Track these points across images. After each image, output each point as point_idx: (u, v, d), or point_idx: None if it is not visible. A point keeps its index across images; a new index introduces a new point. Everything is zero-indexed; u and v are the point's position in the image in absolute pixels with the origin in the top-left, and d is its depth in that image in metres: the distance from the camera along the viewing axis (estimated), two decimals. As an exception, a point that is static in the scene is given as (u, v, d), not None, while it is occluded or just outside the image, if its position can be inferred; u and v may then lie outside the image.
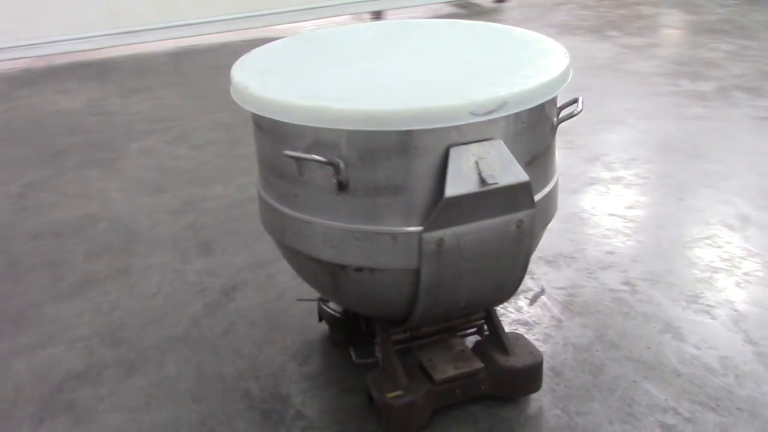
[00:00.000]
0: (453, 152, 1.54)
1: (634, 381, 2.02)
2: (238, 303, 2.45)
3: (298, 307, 2.40)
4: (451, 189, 1.53)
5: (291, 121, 1.59)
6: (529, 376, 1.94)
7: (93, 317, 2.42)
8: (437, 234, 1.59)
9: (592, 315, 2.31)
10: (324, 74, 1.76)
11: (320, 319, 2.26)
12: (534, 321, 2.28)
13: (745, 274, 2.49)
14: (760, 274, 2.48)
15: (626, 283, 2.47)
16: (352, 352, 2.09)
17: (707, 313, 2.30)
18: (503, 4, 6.87)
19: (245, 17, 6.05)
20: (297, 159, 1.61)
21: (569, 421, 1.89)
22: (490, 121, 1.55)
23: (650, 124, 3.92)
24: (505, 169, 1.57)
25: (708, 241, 2.70)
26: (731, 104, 4.10)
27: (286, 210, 1.74)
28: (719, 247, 2.66)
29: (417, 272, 1.65)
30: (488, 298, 1.83)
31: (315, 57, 1.92)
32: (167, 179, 3.45)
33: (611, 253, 2.65)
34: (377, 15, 6.67)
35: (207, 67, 5.41)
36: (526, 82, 1.60)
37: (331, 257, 1.70)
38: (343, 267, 1.71)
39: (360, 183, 1.59)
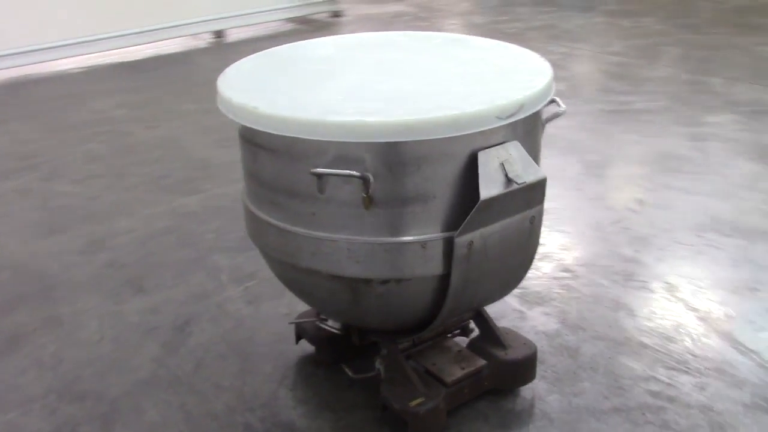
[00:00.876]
0: (481, 156, 1.60)
1: (610, 357, 2.18)
2: (198, 337, 2.33)
3: (263, 333, 2.33)
4: (485, 191, 1.58)
5: (316, 138, 1.56)
6: (527, 367, 2.03)
7: (38, 374, 2.19)
8: (468, 237, 1.63)
9: (548, 303, 2.45)
10: (326, 89, 1.74)
11: (297, 341, 2.21)
12: (498, 315, 2.38)
13: (661, 249, 2.76)
14: (673, 248, 2.76)
15: (566, 270, 2.64)
16: (347, 369, 2.07)
17: (645, 288, 2.52)
18: (341, 19, 7.00)
19: (81, 42, 5.70)
20: (320, 176, 1.58)
21: (569, 402, 2.00)
22: (508, 124, 1.62)
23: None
24: (525, 168, 1.64)
25: (619, 225, 2.96)
26: (585, 101, 4.49)
27: (301, 230, 1.69)
28: (629, 228, 2.92)
29: (443, 277, 1.69)
30: (497, 295, 1.89)
31: (301, 72, 1.90)
32: (59, 219, 3.19)
33: (541, 244, 2.81)
34: (218, 34, 6.55)
35: (51, 97, 5.03)
36: (532, 85, 1.69)
37: (357, 272, 1.69)
38: (367, 281, 1.70)
39: (388, 195, 1.59)
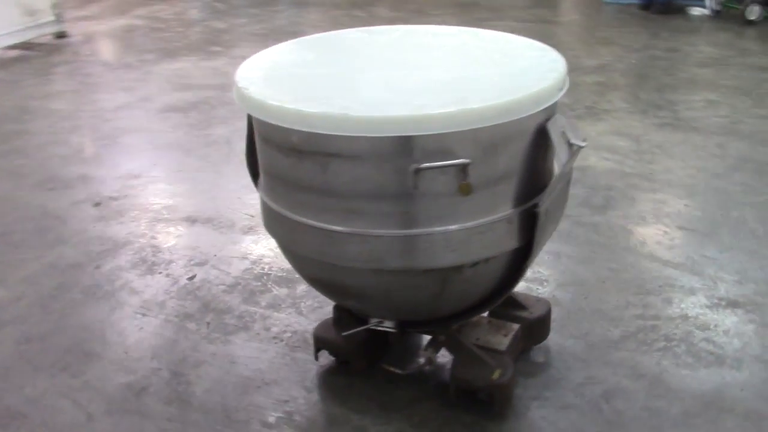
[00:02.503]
0: (551, 127, 1.71)
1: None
2: (180, 406, 2.12)
3: (254, 384, 2.19)
4: (563, 157, 1.71)
5: (417, 133, 1.55)
6: (547, 321, 2.20)
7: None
8: (546, 204, 1.74)
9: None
10: (380, 84, 1.75)
11: (317, 357, 2.13)
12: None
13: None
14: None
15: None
16: (392, 368, 2.05)
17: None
18: (69, 39, 6.40)
19: None
20: (418, 171, 1.58)
21: (584, 344, 2.22)
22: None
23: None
24: (574, 134, 1.80)
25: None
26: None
27: (391, 232, 1.66)
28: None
29: (520, 249, 1.78)
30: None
31: (331, 71, 1.87)
32: None
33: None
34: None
35: None
36: (557, 67, 1.82)
37: (451, 261, 1.71)
38: (458, 268, 1.73)
39: (481, 178, 1.64)
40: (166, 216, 3.11)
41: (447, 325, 1.96)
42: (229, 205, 3.18)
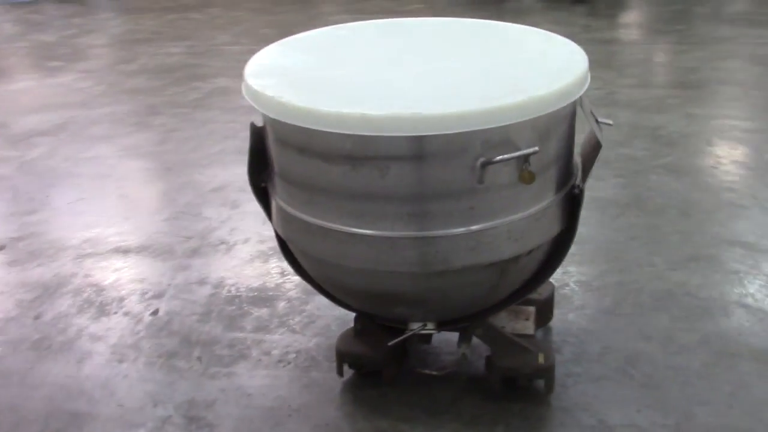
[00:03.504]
0: (585, 108, 1.74)
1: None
2: (216, 427, 1.93)
3: (282, 413, 2.04)
4: (599, 135, 1.74)
5: (484, 127, 1.51)
6: (553, 302, 2.24)
7: None
8: (581, 183, 1.77)
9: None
10: (413, 78, 1.69)
11: (342, 372, 2.02)
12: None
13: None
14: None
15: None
16: (427, 371, 2.00)
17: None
18: None
19: None
20: (485, 165, 1.54)
21: (585, 316, 2.29)
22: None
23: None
24: (598, 113, 1.84)
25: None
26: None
27: (456, 231, 1.61)
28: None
29: (565, 230, 1.80)
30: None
31: (356, 65, 1.79)
32: None
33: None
34: None
35: None
36: (576, 50, 1.83)
37: (513, 251, 1.69)
38: (516, 258, 1.71)
39: (539, 164, 1.63)
40: (90, 250, 2.80)
41: (484, 317, 1.94)
42: (156, 230, 2.93)
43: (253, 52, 1.86)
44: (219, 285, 2.54)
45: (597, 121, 1.79)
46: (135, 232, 2.92)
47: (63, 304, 2.48)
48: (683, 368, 2.06)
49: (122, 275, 2.63)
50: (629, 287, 2.42)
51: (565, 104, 1.61)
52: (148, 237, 2.88)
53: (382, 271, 1.68)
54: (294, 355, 2.18)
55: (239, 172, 3.40)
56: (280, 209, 1.79)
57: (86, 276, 2.63)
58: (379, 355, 1.99)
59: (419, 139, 1.52)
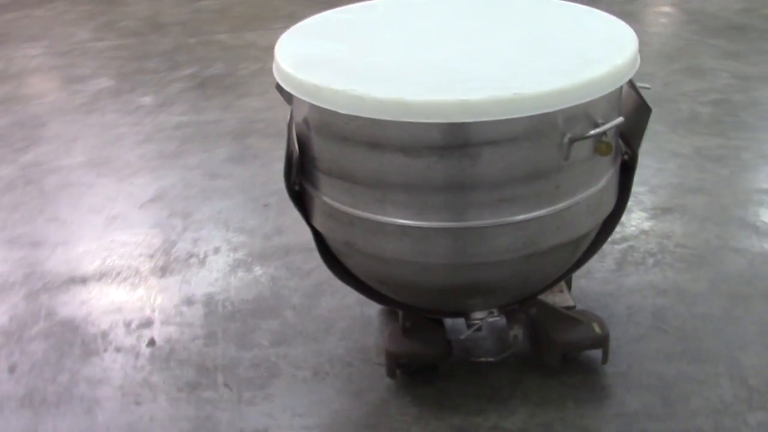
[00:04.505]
0: (635, 78, 1.74)
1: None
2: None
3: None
4: (645, 99, 1.74)
5: (570, 105, 1.46)
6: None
7: None
8: (630, 151, 1.78)
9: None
10: (471, 56, 1.62)
11: (395, 375, 1.92)
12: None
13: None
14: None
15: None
16: (483, 359, 1.95)
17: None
18: None
19: None
20: (573, 142, 1.50)
21: (594, 280, 2.33)
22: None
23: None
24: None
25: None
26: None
27: (542, 212, 1.56)
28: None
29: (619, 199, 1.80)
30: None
31: (398, 45, 1.70)
32: None
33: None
34: None
35: None
36: (617, 20, 1.79)
37: (590, 225, 1.69)
38: (590, 232, 1.70)
39: (609, 136, 1.61)
40: (41, 285, 2.47)
41: (537, 295, 1.91)
42: (107, 251, 2.64)
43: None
44: (210, 302, 2.33)
45: (635, 86, 1.80)
46: (84, 258, 2.62)
47: (37, 349, 2.17)
48: (708, 316, 2.15)
49: (92, 307, 2.35)
50: (622, 246, 2.49)
51: (634, 73, 1.60)
52: (102, 261, 2.59)
53: (468, 264, 1.61)
54: (328, 365, 2.04)
55: (174, 177, 3.18)
56: (335, 212, 1.66)
57: (50, 314, 2.33)
58: (436, 350, 1.91)
59: (515, 122, 1.45)
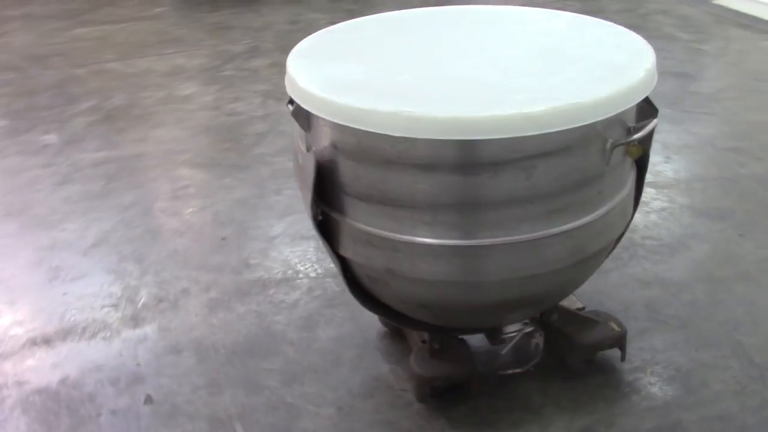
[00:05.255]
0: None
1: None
2: None
3: None
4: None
5: (610, 115, 1.50)
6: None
7: None
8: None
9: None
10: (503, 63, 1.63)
11: (426, 399, 1.88)
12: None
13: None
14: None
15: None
16: (510, 370, 1.93)
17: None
18: None
19: None
20: (615, 147, 1.54)
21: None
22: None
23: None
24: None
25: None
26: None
27: (592, 216, 1.60)
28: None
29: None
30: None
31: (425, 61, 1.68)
32: None
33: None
34: None
35: None
36: (624, 29, 1.85)
37: (622, 227, 1.74)
38: (621, 236, 1.74)
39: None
40: (2, 350, 2.22)
41: (558, 300, 1.93)
42: (63, 307, 2.41)
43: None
44: (199, 348, 2.18)
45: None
46: (38, 316, 2.37)
47: (18, 424, 1.94)
48: (695, 302, 2.25)
49: (68, 370, 2.13)
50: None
51: (656, 79, 1.65)
52: (61, 317, 2.36)
53: (519, 278, 1.59)
54: (349, 398, 1.96)
55: (111, 218, 2.92)
56: (374, 238, 1.60)
57: (20, 383, 2.09)
58: (468, 368, 1.88)
59: (570, 131, 1.46)
